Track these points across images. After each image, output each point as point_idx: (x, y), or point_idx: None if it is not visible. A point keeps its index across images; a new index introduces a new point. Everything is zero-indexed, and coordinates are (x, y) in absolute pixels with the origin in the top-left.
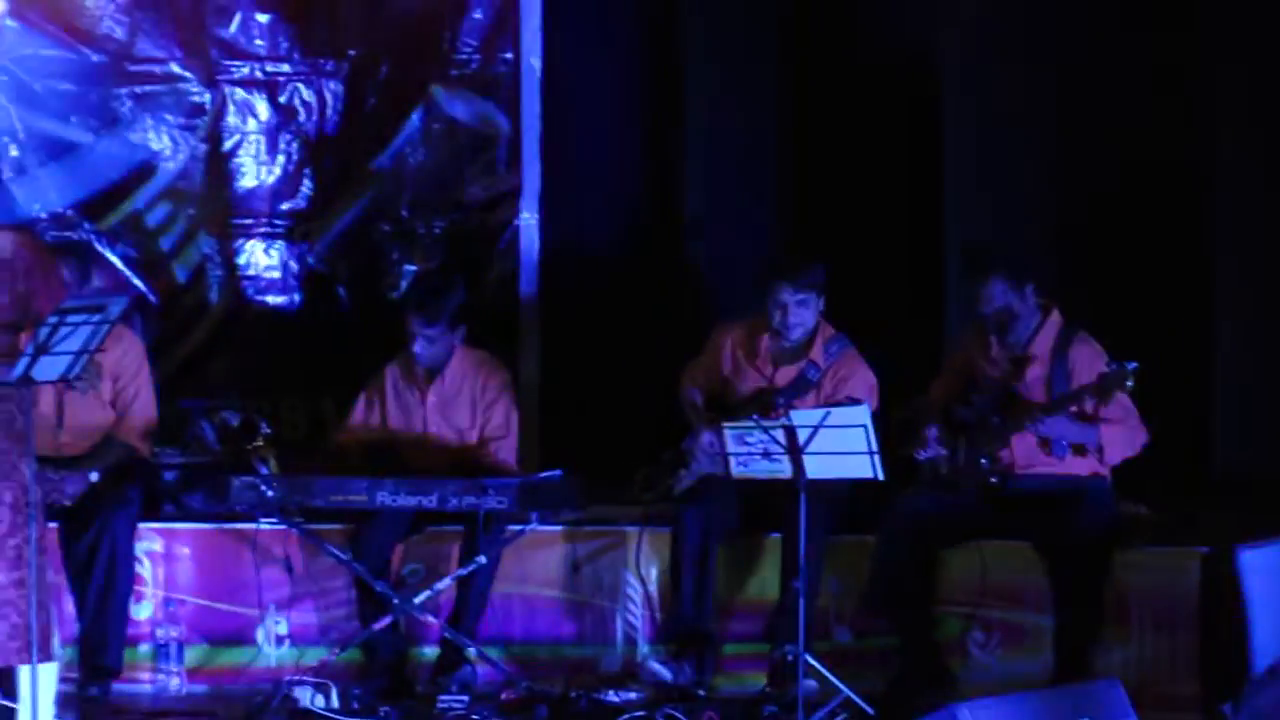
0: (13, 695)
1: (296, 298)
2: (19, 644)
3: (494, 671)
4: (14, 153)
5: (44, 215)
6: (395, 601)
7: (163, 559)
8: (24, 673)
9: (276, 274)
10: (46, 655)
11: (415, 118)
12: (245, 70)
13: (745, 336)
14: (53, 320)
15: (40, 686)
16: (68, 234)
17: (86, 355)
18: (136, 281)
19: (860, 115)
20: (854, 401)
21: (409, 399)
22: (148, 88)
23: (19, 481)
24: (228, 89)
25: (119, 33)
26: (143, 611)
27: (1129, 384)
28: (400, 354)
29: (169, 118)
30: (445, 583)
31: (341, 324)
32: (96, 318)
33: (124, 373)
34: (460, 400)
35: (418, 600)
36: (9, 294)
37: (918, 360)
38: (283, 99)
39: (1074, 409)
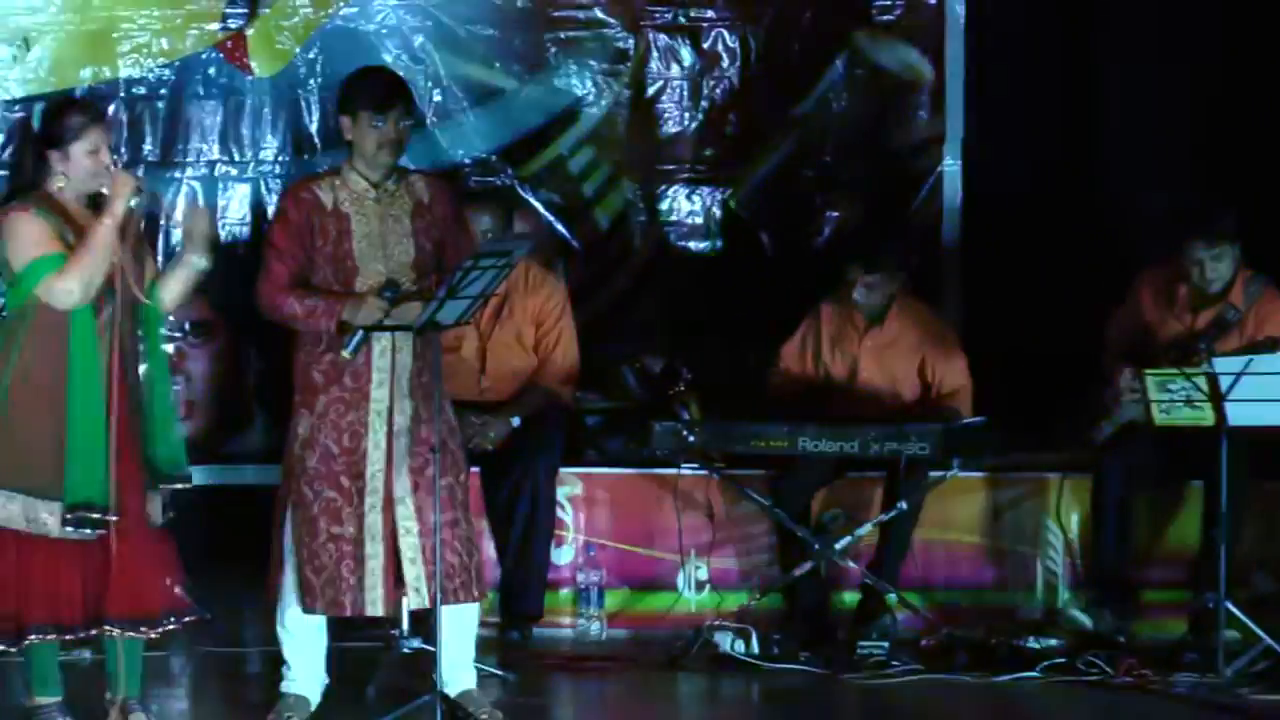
0: (432, 639)
1: (718, 244)
2: (455, 584)
3: (915, 618)
4: (438, 98)
5: (467, 161)
6: (816, 547)
7: (584, 504)
8: (444, 614)
9: (699, 220)
10: (468, 595)
11: (838, 64)
12: (669, 16)
13: (1164, 282)
14: (465, 265)
15: (461, 627)
16: (490, 180)
17: (482, 300)
18: (559, 228)
19: None
20: (1276, 345)
21: (846, 341)
22: (571, 33)
23: (447, 423)
24: (651, 35)
25: None
26: (564, 556)
27: None
28: (836, 295)
29: (592, 63)
30: (866, 528)
31: (763, 270)
32: (500, 262)
33: (546, 319)
34: (898, 349)
35: (839, 546)
36: (429, 241)
37: None
38: (706, 45)
39: None
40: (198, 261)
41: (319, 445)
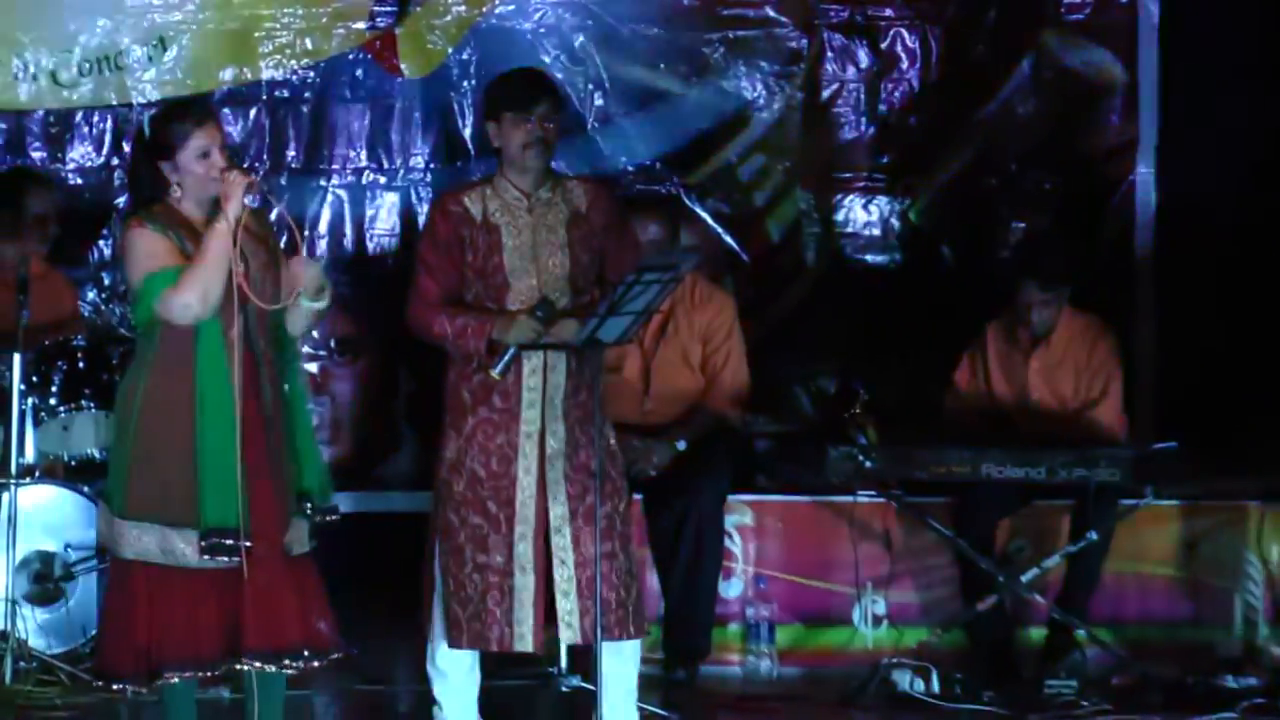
0: (592, 677)
1: (897, 256)
2: (611, 620)
3: (1105, 655)
4: (599, 102)
5: (630, 168)
6: (1001, 579)
7: (753, 533)
8: (604, 651)
9: (876, 231)
10: (624, 632)
11: (1024, 66)
12: (844, 14)
13: None
14: (629, 279)
15: (622, 665)
16: (655, 188)
17: (646, 317)
18: (727, 239)
19: None
20: None
21: (1012, 363)
22: (741, 33)
23: (607, 448)
24: (826, 34)
25: None
26: (732, 589)
27: None
28: (1003, 315)
29: (763, 65)
30: (1054, 560)
31: (946, 284)
32: (666, 276)
33: (714, 336)
34: (1065, 366)
35: (1025, 578)
36: (586, 251)
37: None
38: (884, 45)
39: None
40: (308, 304)
41: (466, 469)
